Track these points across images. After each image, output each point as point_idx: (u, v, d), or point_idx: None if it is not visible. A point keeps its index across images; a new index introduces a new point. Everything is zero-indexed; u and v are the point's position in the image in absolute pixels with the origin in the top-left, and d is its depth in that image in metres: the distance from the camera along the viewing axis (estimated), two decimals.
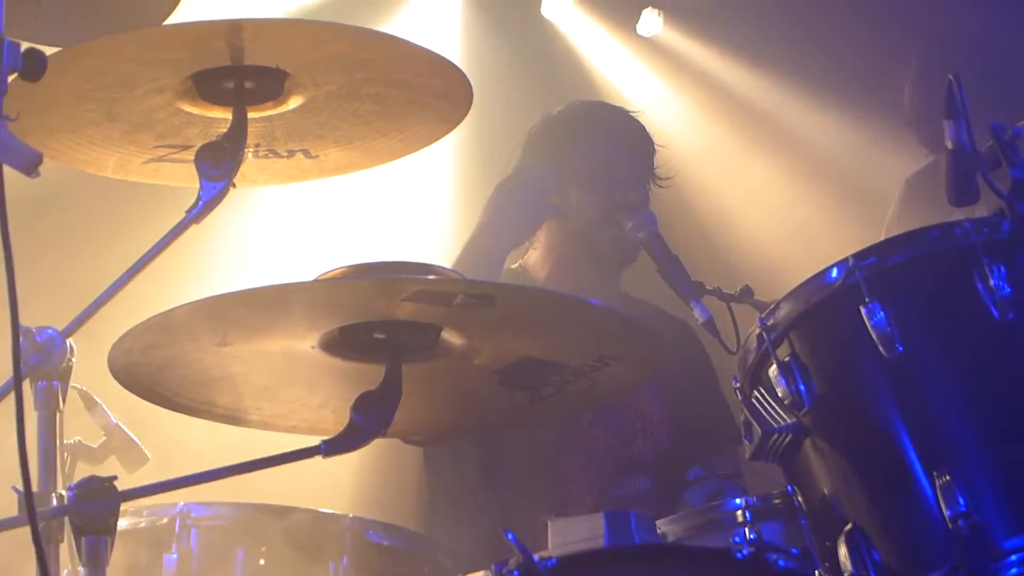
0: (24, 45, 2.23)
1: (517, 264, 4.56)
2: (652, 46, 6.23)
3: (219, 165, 2.84)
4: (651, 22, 6.22)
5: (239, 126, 2.86)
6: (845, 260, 2.84)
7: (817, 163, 5.99)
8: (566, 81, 6.08)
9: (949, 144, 2.90)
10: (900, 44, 5.56)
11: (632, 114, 4.60)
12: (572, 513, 2.96)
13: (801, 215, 5.88)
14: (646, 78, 6.20)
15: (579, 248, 4.44)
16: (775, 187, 5.98)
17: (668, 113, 6.02)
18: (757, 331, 2.95)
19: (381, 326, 2.75)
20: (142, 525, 3.44)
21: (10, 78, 2.19)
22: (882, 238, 4.90)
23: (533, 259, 4.53)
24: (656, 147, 4.54)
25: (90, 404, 3.58)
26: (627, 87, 6.13)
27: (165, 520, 3.43)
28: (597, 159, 4.44)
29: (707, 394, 4.47)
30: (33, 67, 2.22)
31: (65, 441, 3.03)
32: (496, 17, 6.06)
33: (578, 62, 6.20)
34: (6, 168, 2.16)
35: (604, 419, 4.28)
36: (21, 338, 2.63)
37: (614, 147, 4.47)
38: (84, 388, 3.51)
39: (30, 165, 2.17)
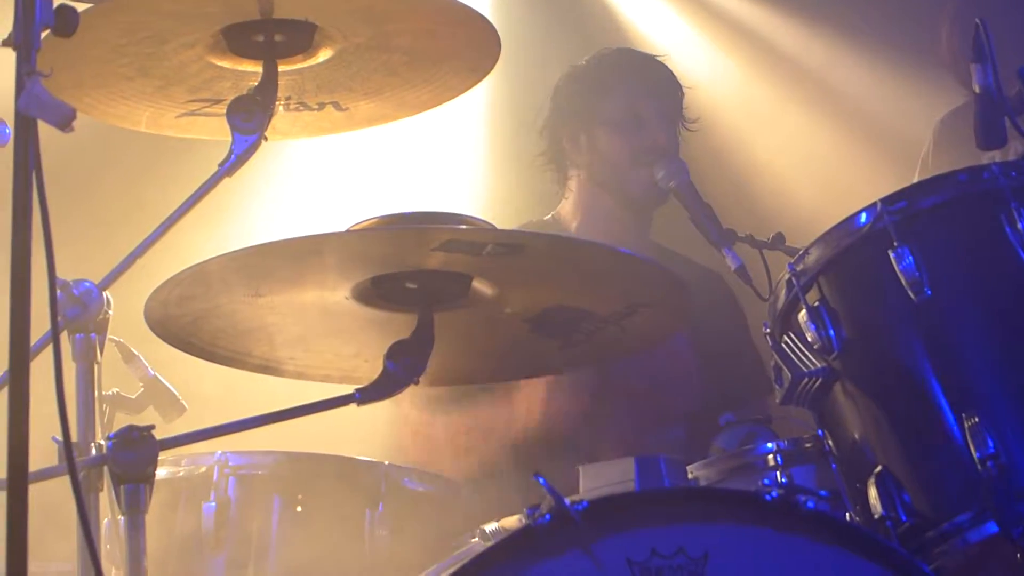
0: (56, 1, 2.26)
1: (550, 216, 4.58)
2: None
3: (251, 118, 2.87)
4: None
5: (270, 79, 2.89)
6: (874, 205, 2.85)
7: (849, 108, 5.96)
8: (596, 29, 6.05)
9: (976, 88, 2.90)
10: None
11: (657, 58, 4.61)
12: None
13: (833, 161, 5.86)
14: (678, 25, 6.17)
15: (609, 195, 4.45)
16: (808, 133, 5.95)
17: (700, 61, 6.00)
18: (787, 276, 2.96)
19: (413, 276, 2.78)
20: (180, 474, 3.48)
21: (43, 34, 2.22)
22: (916, 177, 4.96)
23: (565, 210, 4.55)
24: (683, 90, 4.55)
25: (128, 356, 3.62)
26: (658, 35, 6.10)
27: (203, 469, 3.47)
28: (624, 103, 4.46)
29: (739, 344, 4.48)
30: (65, 23, 2.24)
31: (104, 392, 3.06)
32: None
33: (608, 10, 6.18)
34: (41, 123, 2.19)
35: (638, 369, 4.30)
36: (58, 291, 2.67)
37: (640, 90, 4.49)
38: (121, 340, 3.55)
39: (64, 120, 2.19)
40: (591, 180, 4.48)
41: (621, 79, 4.52)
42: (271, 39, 2.87)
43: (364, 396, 2.78)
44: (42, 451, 2.52)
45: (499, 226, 2.81)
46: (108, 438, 2.63)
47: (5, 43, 2.24)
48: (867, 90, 5.90)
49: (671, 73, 4.56)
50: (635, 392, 4.32)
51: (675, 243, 4.57)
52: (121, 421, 3.42)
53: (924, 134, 5.31)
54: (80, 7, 2.33)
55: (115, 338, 3.44)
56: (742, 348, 4.48)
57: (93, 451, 2.71)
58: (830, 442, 2.97)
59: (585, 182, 4.50)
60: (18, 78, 2.20)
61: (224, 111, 2.89)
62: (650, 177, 4.30)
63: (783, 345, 2.94)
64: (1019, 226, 2.74)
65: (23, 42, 2.21)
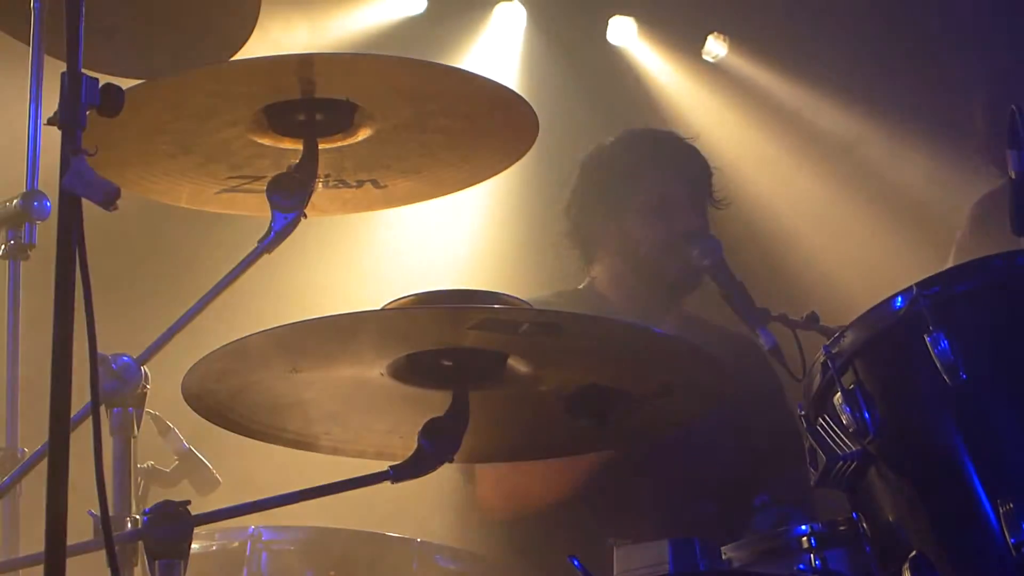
0: (101, 80, 2.29)
1: (584, 284, 4.59)
2: (717, 71, 6.24)
3: (290, 196, 2.89)
4: (716, 47, 6.24)
5: (310, 157, 2.91)
6: (909, 289, 2.85)
7: (887, 188, 5.98)
8: (632, 106, 6.10)
9: (1012, 173, 2.91)
10: (968, 68, 5.54)
11: (685, 140, 4.62)
12: (637, 537, 2.98)
13: (869, 241, 5.87)
14: (712, 104, 6.22)
15: (640, 276, 4.46)
16: (842, 212, 5.97)
17: (733, 138, 6.03)
18: (822, 359, 2.96)
19: (448, 353, 2.78)
20: (214, 548, 3.49)
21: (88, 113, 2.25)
22: (951, 259, 4.95)
23: (600, 281, 4.56)
24: (712, 170, 4.56)
25: (163, 429, 3.63)
26: (692, 113, 6.15)
27: (236, 544, 3.48)
28: (654, 190, 4.48)
29: (776, 414, 4.46)
30: (111, 103, 2.27)
31: (139, 465, 3.08)
32: (562, 43, 6.10)
33: (644, 87, 6.23)
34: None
35: (672, 444, 4.29)
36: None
37: (670, 175, 4.51)
38: (158, 413, 3.56)
39: (108, 199, 2.22)
40: (623, 260, 4.50)
41: (650, 164, 4.53)
42: (312, 118, 2.89)
43: (398, 473, 2.78)
44: (80, 525, 2.53)
45: (531, 300, 2.83)
46: (144, 513, 2.63)
47: (51, 122, 2.28)
48: (905, 171, 5.93)
49: (699, 154, 4.58)
50: (667, 467, 4.30)
51: (710, 311, 4.56)
52: (156, 494, 3.43)
53: (957, 213, 5.33)
54: (122, 83, 2.35)
55: (151, 411, 3.46)
56: (779, 418, 4.46)
57: (128, 525, 2.71)
58: (864, 525, 2.96)
59: (617, 261, 4.51)
60: (63, 156, 2.23)
61: (264, 188, 2.91)
62: (684, 261, 4.30)
63: (818, 427, 2.93)
64: None
65: (68, 121, 2.24)
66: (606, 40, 6.21)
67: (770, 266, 5.67)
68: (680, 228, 4.39)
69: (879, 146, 5.99)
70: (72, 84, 2.25)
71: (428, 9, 5.98)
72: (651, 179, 4.50)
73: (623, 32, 6.21)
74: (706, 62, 6.26)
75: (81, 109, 2.24)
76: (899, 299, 2.86)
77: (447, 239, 5.45)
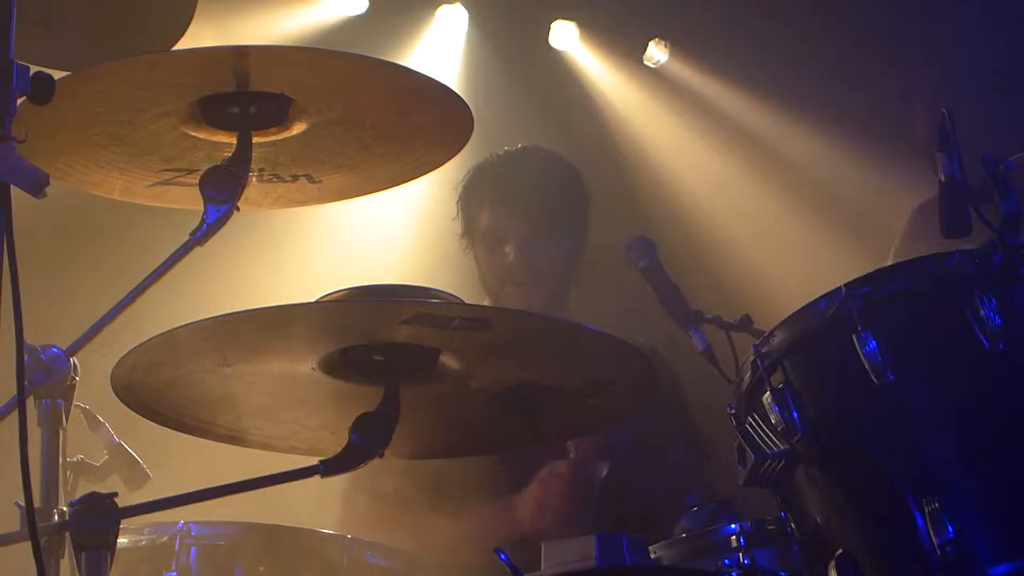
0: (33, 69, 2.28)
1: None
2: (658, 77, 6.27)
3: (223, 189, 2.88)
4: (657, 53, 6.27)
5: (243, 151, 2.90)
6: (838, 289, 2.87)
7: (820, 193, 6.02)
8: (571, 110, 6.12)
9: (941, 176, 2.94)
10: (908, 77, 5.58)
11: (550, 169, 4.65)
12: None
13: (804, 244, 5.90)
14: (652, 109, 6.24)
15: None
16: (778, 216, 6.00)
17: (672, 143, 6.06)
18: (752, 357, 2.98)
19: (380, 348, 2.78)
20: (142, 543, 3.47)
21: (19, 101, 2.24)
22: (890, 263, 4.97)
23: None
24: (562, 189, 4.60)
25: (93, 422, 3.61)
26: (633, 118, 6.17)
27: (165, 538, 3.46)
28: (489, 222, 4.58)
29: (672, 416, 4.46)
30: (42, 91, 2.26)
31: (68, 459, 3.06)
32: (504, 46, 6.11)
33: (585, 92, 6.24)
34: (14, 189, 2.20)
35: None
36: (26, 356, 2.67)
37: (502, 209, 4.57)
38: (87, 407, 3.54)
39: (37, 186, 2.21)
40: (485, 289, 4.59)
41: (490, 196, 4.59)
42: (246, 111, 2.88)
43: (328, 468, 2.77)
44: (5, 516, 2.52)
45: (467, 301, 2.83)
46: (71, 504, 2.62)
47: None
48: (843, 176, 5.96)
49: (551, 181, 4.61)
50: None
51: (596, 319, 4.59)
52: (85, 488, 3.40)
53: (893, 217, 5.36)
54: (57, 75, 2.34)
55: (80, 404, 3.44)
56: (675, 419, 4.46)
57: (55, 517, 2.70)
58: (792, 524, 2.98)
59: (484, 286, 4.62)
60: None
61: (197, 181, 2.90)
62: (522, 297, 4.35)
63: (747, 426, 2.95)
64: (981, 314, 2.77)
65: None
66: (548, 44, 6.22)
67: (706, 269, 5.69)
68: (508, 264, 4.46)
69: (817, 151, 6.02)
70: (2, 70, 2.23)
71: (370, 9, 5.98)
72: (488, 210, 4.56)
73: (565, 36, 6.22)
74: (647, 67, 6.28)
75: (11, 95, 2.22)
76: (828, 299, 2.88)
77: (381, 235, 5.44)
